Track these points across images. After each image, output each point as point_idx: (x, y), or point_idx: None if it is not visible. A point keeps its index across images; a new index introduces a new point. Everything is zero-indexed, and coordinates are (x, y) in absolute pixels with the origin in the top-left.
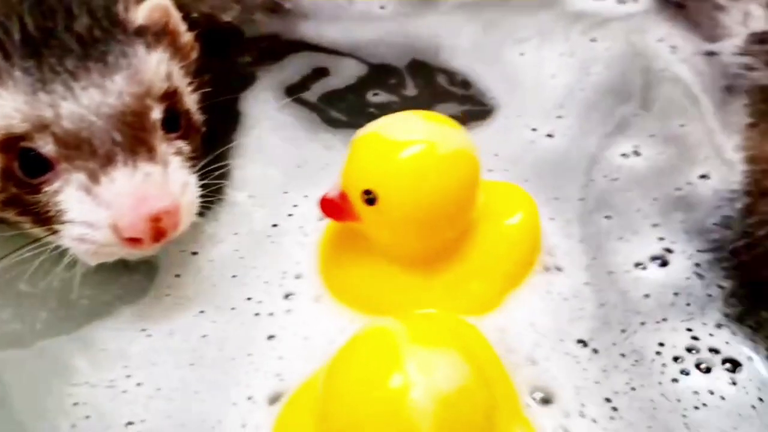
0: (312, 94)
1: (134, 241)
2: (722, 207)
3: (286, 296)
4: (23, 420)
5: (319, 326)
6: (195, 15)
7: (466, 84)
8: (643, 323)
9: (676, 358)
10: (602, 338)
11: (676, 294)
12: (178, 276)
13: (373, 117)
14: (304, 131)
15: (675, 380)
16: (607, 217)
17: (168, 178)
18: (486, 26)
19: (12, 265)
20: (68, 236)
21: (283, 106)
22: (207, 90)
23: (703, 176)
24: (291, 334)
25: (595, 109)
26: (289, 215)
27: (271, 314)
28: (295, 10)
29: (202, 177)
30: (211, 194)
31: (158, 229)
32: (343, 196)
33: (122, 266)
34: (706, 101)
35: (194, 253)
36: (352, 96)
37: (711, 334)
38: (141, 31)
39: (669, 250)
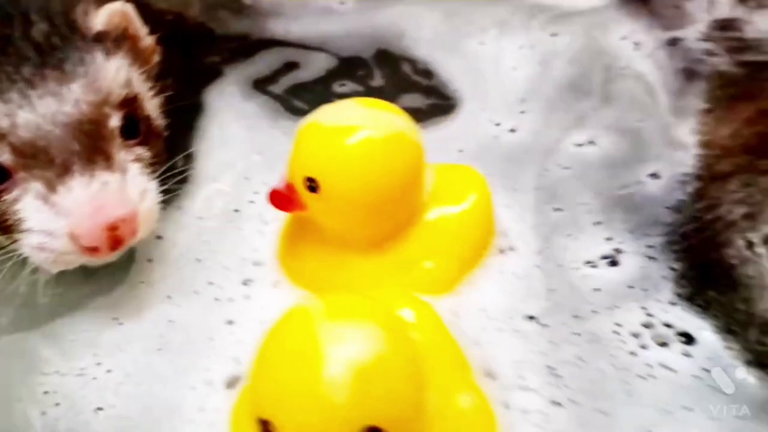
0: (279, 86)
1: (92, 249)
2: (675, 191)
3: (245, 282)
4: None
5: (277, 311)
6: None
7: (428, 74)
8: (595, 311)
9: (635, 335)
10: (553, 318)
11: (630, 287)
12: (150, 261)
13: None
14: (267, 120)
15: (633, 353)
16: (557, 209)
17: (126, 186)
18: (446, 16)
19: None
20: (27, 245)
21: (248, 97)
22: (170, 93)
23: (653, 174)
24: (249, 319)
25: (557, 105)
26: (251, 202)
27: (230, 299)
28: (258, 8)
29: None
30: (175, 186)
31: (115, 237)
32: (289, 187)
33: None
34: (664, 96)
35: (159, 237)
36: (320, 87)
37: (666, 311)
38: (100, 37)
39: (618, 250)
